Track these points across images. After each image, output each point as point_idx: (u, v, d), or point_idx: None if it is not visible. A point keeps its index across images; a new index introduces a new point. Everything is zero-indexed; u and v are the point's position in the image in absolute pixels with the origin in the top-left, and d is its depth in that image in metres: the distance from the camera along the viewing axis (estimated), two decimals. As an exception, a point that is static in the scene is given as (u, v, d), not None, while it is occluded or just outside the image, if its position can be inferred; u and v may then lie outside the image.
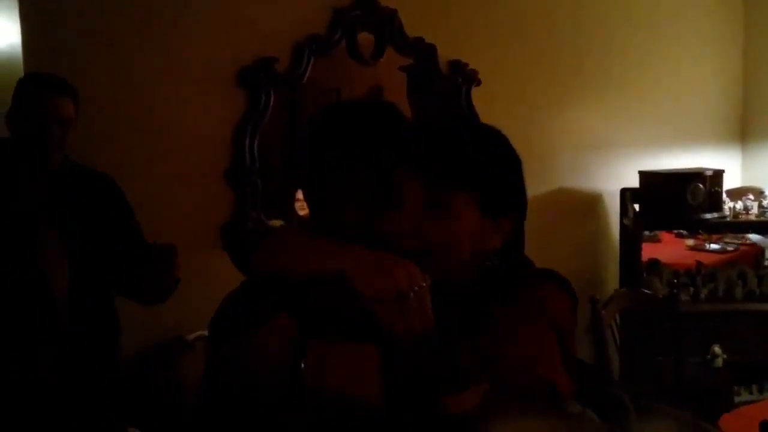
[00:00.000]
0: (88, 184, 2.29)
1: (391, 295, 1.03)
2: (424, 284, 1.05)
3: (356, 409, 1.03)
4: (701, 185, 3.88)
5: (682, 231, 4.63)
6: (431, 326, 1.05)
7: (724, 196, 4.07)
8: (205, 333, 1.63)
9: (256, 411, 1.11)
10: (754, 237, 4.37)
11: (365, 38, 3.35)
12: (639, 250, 3.95)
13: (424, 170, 1.11)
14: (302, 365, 1.04)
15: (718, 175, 4.00)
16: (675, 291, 3.31)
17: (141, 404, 2.63)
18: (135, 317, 2.46)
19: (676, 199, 3.87)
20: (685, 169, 4.12)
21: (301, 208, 2.97)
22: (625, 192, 4.06)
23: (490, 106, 3.63)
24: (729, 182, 4.19)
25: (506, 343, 1.03)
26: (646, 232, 4.16)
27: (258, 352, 1.09)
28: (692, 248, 4.58)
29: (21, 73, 2.55)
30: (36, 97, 2.13)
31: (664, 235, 4.65)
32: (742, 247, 4.52)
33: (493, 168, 1.15)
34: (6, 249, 2.10)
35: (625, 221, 4.03)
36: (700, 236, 4.60)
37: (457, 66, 3.61)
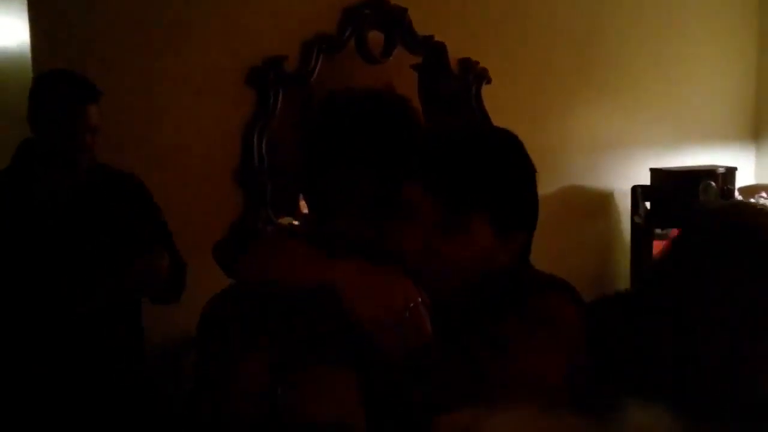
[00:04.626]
0: (117, 188, 2.28)
1: (390, 320, 0.99)
2: (420, 299, 1.00)
3: None
4: (713, 183, 3.85)
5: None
6: (430, 342, 1.00)
7: (737, 193, 4.03)
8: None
9: None
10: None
11: (375, 37, 3.34)
12: (650, 248, 3.91)
13: (439, 191, 1.04)
14: (279, 392, 1.01)
15: (731, 172, 3.96)
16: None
17: (153, 402, 2.62)
18: (145, 317, 2.46)
19: (687, 197, 3.84)
20: (697, 166, 4.09)
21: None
22: (636, 190, 4.03)
23: (500, 104, 3.62)
24: (742, 180, 4.16)
25: (514, 360, 0.99)
26: (658, 230, 4.13)
27: (238, 382, 1.06)
28: (703, 246, 4.54)
29: (30, 72, 2.55)
30: (68, 105, 2.08)
31: (676, 233, 4.60)
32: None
33: (510, 187, 1.09)
34: (33, 259, 2.09)
35: (637, 219, 4.00)
36: (711, 234, 4.55)
37: (467, 64, 3.58)
